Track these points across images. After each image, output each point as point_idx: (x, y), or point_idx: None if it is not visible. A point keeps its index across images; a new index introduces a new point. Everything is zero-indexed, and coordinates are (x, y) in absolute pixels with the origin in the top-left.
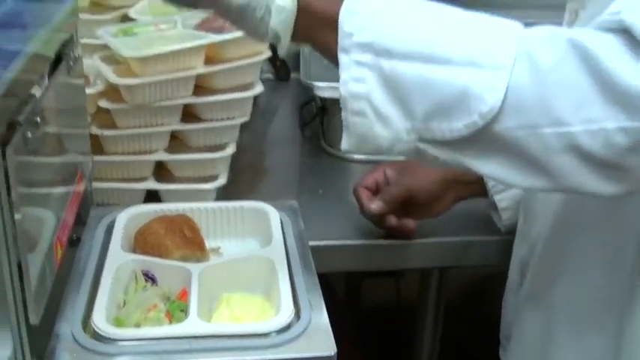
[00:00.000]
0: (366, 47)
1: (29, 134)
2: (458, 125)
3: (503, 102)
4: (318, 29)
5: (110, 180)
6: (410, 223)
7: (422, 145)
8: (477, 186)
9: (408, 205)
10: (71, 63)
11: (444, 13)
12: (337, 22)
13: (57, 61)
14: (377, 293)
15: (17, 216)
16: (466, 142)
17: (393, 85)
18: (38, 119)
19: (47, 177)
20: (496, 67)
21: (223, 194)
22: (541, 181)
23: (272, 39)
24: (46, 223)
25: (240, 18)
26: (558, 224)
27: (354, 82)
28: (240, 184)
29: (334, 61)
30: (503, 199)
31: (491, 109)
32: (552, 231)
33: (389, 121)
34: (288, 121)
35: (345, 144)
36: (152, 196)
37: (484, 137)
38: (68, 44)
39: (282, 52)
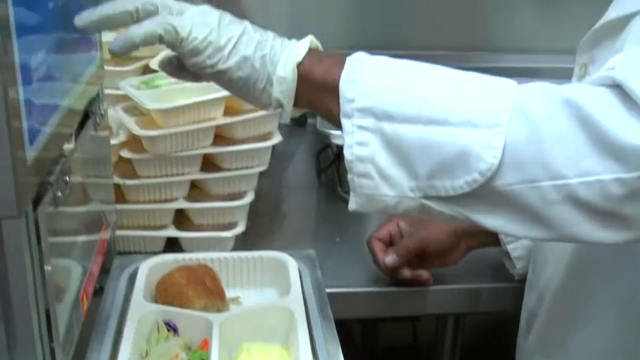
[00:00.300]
0: (367, 112)
1: (59, 193)
2: (460, 182)
3: (502, 159)
4: (319, 96)
5: (131, 228)
6: (423, 274)
7: (427, 202)
8: (488, 236)
9: (421, 256)
10: (98, 120)
11: (441, 74)
12: (337, 88)
13: (85, 116)
14: (394, 336)
15: (47, 267)
16: (469, 198)
17: (395, 147)
18: (67, 178)
19: (74, 227)
20: (492, 126)
21: (241, 241)
22: (543, 231)
23: (275, 107)
24: (73, 273)
25: (243, 89)
26: (568, 272)
27: (358, 145)
28: (257, 230)
29: (337, 124)
30: (516, 249)
31: (490, 167)
32: (562, 279)
33: (394, 182)
34: (305, 167)
35: (352, 204)
36: (172, 243)
37: (485, 192)
38: (95, 100)
39: (285, 118)
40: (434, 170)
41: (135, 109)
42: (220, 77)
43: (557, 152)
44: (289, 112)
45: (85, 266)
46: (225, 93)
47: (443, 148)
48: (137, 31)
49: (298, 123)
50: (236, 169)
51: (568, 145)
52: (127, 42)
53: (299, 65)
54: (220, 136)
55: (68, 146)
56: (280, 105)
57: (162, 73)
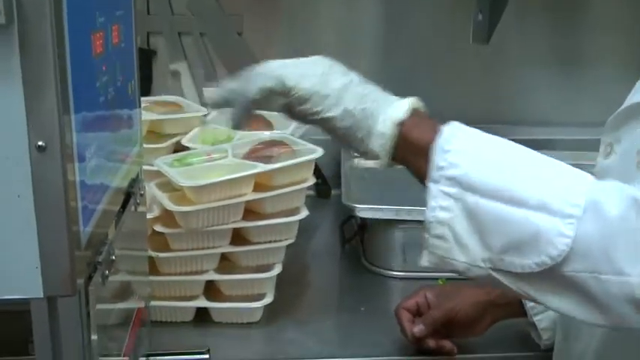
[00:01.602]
0: (454, 181)
1: (107, 272)
2: (529, 262)
3: (571, 248)
4: (412, 156)
5: (163, 298)
6: (447, 344)
7: (495, 275)
8: (513, 307)
9: (447, 326)
10: (138, 200)
11: (525, 155)
12: (430, 154)
13: (127, 197)
14: None
15: (93, 337)
16: (536, 278)
17: (474, 218)
18: (113, 257)
19: (115, 299)
20: (566, 216)
21: (269, 310)
22: (603, 319)
23: (371, 157)
24: (114, 342)
25: (344, 137)
26: (606, 342)
27: (440, 210)
28: (284, 300)
29: (422, 183)
30: (542, 320)
31: (560, 253)
32: (600, 349)
33: (467, 249)
34: (329, 237)
35: (424, 261)
36: (202, 313)
37: (552, 275)
38: (136, 181)
39: (381, 166)
40: (506, 246)
41: (168, 185)
42: (324, 124)
43: (623, 249)
44: (385, 164)
45: (123, 335)
46: (255, 171)
47: (518, 228)
48: (251, 86)
49: (322, 195)
50: (264, 242)
51: (633, 244)
52: (243, 100)
53: (399, 124)
54: (250, 211)
55: (113, 225)
56: (376, 156)
57: (195, 151)
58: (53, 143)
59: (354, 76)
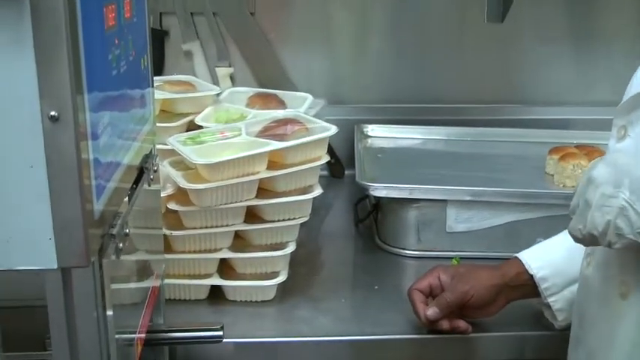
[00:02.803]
0: None
1: (120, 244)
2: None
3: None
4: None
5: (177, 276)
6: (462, 324)
7: None
8: (527, 289)
9: (461, 308)
10: (151, 176)
11: None
12: None
13: (140, 172)
14: None
15: (109, 312)
16: None
17: None
18: (127, 230)
19: (130, 276)
20: None
21: (282, 289)
22: None
23: None
24: (130, 319)
25: None
26: (623, 329)
27: None
28: (297, 278)
29: None
30: (557, 301)
31: None
32: (615, 341)
33: None
34: (342, 217)
35: None
36: (216, 292)
37: None
38: (149, 157)
39: None
40: None
41: (181, 164)
42: None
43: None
44: None
45: (139, 313)
46: (268, 148)
47: None
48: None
49: (336, 174)
50: (278, 220)
51: None
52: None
53: None
54: (263, 189)
55: (126, 201)
56: None
57: (208, 129)
58: (66, 113)
59: None
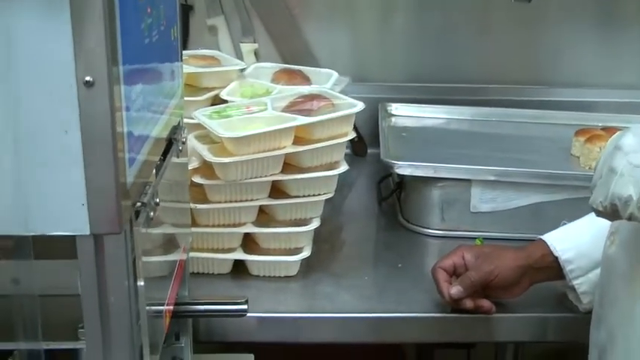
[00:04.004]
0: None
1: (151, 213)
2: None
3: None
4: None
5: (201, 250)
6: (485, 303)
7: None
8: (552, 271)
9: (484, 287)
10: (180, 147)
11: None
12: None
13: (169, 144)
14: None
15: (140, 282)
16: None
17: None
18: (157, 200)
19: (160, 248)
20: None
21: (305, 265)
22: None
23: None
24: (159, 290)
25: None
26: None
27: None
28: (320, 255)
29: None
30: (582, 284)
31: None
32: (634, 320)
33: None
34: (365, 195)
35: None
36: (239, 266)
37: None
38: (178, 128)
39: None
40: None
41: (206, 137)
42: None
43: None
44: None
45: (167, 285)
46: (295, 123)
47: None
48: None
49: (359, 153)
50: (303, 196)
51: None
52: None
53: None
54: (289, 164)
55: (156, 171)
56: None
57: (234, 104)
58: (101, 79)
59: None
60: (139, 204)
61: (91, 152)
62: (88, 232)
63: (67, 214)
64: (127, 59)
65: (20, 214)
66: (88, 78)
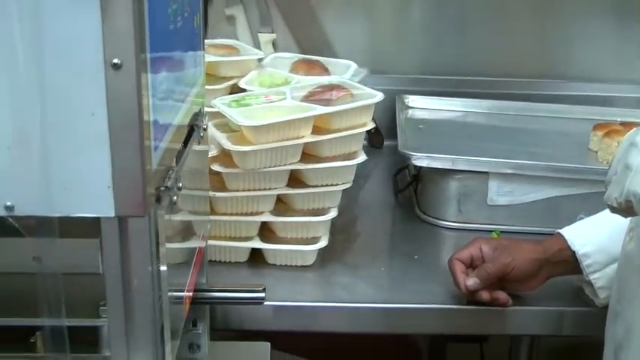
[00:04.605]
0: None
1: (175, 198)
2: None
3: None
4: None
5: (218, 238)
6: (502, 295)
7: None
8: (569, 265)
9: (501, 280)
10: (201, 133)
11: None
12: None
13: (190, 131)
14: (461, 357)
15: (162, 268)
16: None
17: None
18: (180, 184)
19: (181, 235)
20: None
21: (321, 255)
22: None
23: None
24: (179, 277)
25: None
26: None
27: None
28: (336, 246)
29: None
30: (600, 279)
31: None
32: None
33: None
34: (381, 187)
35: None
36: (256, 255)
37: None
38: (199, 115)
39: None
40: None
41: (225, 126)
42: None
43: None
44: None
45: (187, 271)
46: (314, 113)
47: None
48: None
49: (375, 145)
50: (321, 185)
51: None
52: None
53: None
54: (307, 154)
55: (178, 158)
56: None
57: (253, 92)
58: (129, 61)
59: None
60: (162, 188)
61: (118, 135)
62: (112, 215)
63: (92, 196)
64: (153, 43)
65: (46, 195)
66: (115, 60)
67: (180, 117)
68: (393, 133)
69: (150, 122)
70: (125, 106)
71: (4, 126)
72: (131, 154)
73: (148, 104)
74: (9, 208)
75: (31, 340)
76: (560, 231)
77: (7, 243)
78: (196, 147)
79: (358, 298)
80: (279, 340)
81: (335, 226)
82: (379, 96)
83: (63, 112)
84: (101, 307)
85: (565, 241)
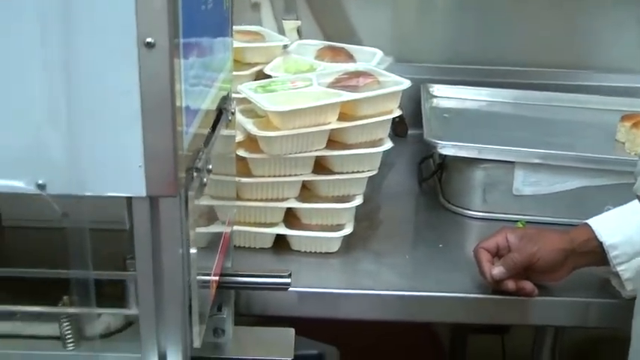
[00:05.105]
0: None
1: (205, 180)
2: None
3: None
4: None
5: (243, 224)
6: (527, 285)
7: None
8: (595, 256)
9: (526, 269)
10: (229, 117)
11: None
12: None
13: (219, 114)
14: (482, 348)
15: (192, 250)
16: None
17: None
18: (210, 166)
19: (209, 219)
20: None
21: (345, 242)
22: None
23: None
24: (207, 260)
25: None
26: None
27: None
28: (360, 233)
29: None
30: (627, 270)
31: None
32: None
33: None
34: (405, 176)
35: None
36: (281, 241)
37: None
38: (227, 98)
39: None
40: None
41: (251, 112)
42: None
43: None
44: None
45: (214, 255)
46: (341, 99)
47: None
48: None
49: (399, 133)
50: (347, 172)
51: None
52: None
53: None
54: (333, 140)
55: (207, 140)
56: None
57: (279, 79)
58: (162, 40)
59: None
60: (193, 169)
61: (150, 114)
62: (144, 194)
63: (123, 175)
64: (185, 23)
65: (77, 174)
66: (149, 39)
67: (211, 99)
68: (416, 123)
69: (182, 101)
70: (157, 86)
71: (36, 104)
72: (163, 134)
73: (180, 84)
74: (40, 187)
75: (62, 297)
76: (587, 221)
77: (37, 199)
78: (224, 132)
79: (383, 285)
80: (300, 326)
81: (359, 214)
82: (406, 83)
83: (95, 91)
84: (127, 261)
85: (592, 231)
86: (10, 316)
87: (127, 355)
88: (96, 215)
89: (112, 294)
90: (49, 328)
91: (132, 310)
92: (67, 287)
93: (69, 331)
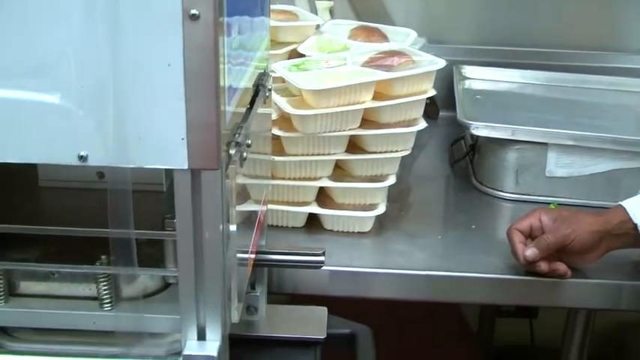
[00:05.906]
0: None
1: (245, 154)
2: None
3: None
4: None
5: (276, 202)
6: (561, 267)
7: None
8: (629, 238)
9: (560, 251)
10: (267, 94)
11: None
12: None
13: (256, 91)
14: (510, 332)
15: (232, 227)
16: None
17: None
18: (250, 142)
19: (246, 197)
20: None
21: (377, 222)
22: None
23: None
24: (244, 237)
25: None
26: None
27: None
28: (392, 213)
29: None
30: None
31: None
32: None
33: None
34: (436, 157)
35: None
36: (313, 220)
37: None
38: (264, 75)
39: None
40: None
41: (285, 90)
42: None
43: None
44: None
45: (251, 233)
46: (376, 78)
47: None
48: None
49: (431, 115)
50: (380, 152)
51: None
52: None
53: None
54: (367, 120)
55: (246, 115)
56: None
57: (313, 58)
58: (207, 12)
59: None
60: (233, 143)
61: (193, 86)
62: (186, 167)
63: (165, 147)
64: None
65: (119, 146)
66: (193, 11)
67: (249, 74)
68: (448, 104)
69: (225, 75)
70: (201, 58)
71: (79, 75)
72: (206, 107)
73: (223, 57)
74: (83, 158)
75: (100, 257)
76: (621, 203)
77: None
78: (261, 109)
79: (415, 265)
80: (331, 305)
81: (391, 195)
82: (441, 62)
83: (138, 62)
84: (166, 220)
85: (627, 213)
86: (45, 277)
87: (166, 317)
88: (133, 177)
89: (150, 255)
90: (86, 289)
91: (172, 272)
92: (103, 248)
93: (107, 292)
